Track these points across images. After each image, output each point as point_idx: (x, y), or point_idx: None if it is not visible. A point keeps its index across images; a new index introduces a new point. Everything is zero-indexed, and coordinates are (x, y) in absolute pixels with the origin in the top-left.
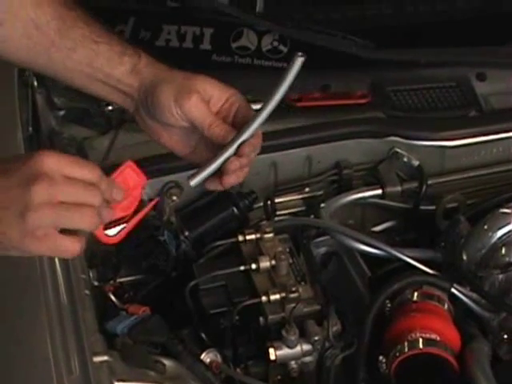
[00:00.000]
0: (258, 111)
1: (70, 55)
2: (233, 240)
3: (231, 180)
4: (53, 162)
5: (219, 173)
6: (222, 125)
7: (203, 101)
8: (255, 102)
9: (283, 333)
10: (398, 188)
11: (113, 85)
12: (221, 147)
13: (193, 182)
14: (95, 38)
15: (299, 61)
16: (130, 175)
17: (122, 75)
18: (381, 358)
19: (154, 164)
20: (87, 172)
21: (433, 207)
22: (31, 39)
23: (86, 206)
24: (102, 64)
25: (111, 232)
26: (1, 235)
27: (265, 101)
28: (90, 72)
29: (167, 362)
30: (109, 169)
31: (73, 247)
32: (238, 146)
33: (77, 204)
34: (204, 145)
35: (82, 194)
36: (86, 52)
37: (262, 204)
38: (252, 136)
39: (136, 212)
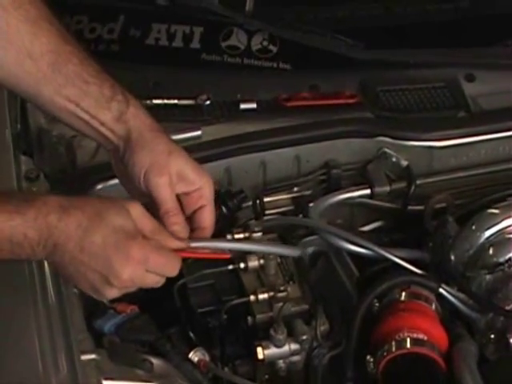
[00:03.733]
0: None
1: (59, 91)
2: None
3: None
4: (136, 268)
5: None
6: (176, 217)
7: (170, 185)
8: (245, 101)
9: (271, 332)
10: (387, 188)
11: (95, 127)
12: None
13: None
14: (87, 77)
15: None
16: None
17: (107, 120)
18: (368, 357)
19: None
20: (167, 270)
21: (421, 207)
22: (23, 68)
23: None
24: (89, 105)
25: None
26: (77, 286)
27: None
28: (75, 110)
29: (155, 361)
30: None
31: None
32: None
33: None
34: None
35: (150, 284)
36: (75, 91)
37: (250, 203)
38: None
39: None
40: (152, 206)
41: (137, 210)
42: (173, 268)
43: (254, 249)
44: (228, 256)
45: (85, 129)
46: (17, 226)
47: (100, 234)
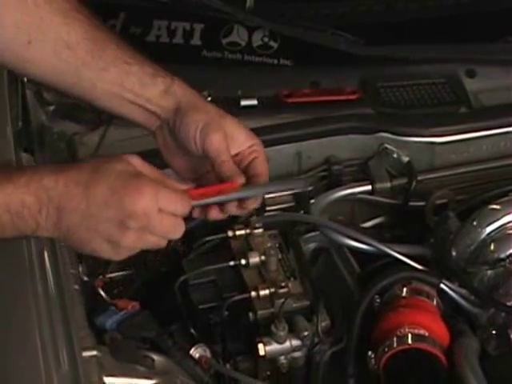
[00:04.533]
0: (268, 183)
1: (102, 75)
2: (222, 235)
3: (230, 212)
4: (149, 201)
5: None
6: (232, 165)
7: (225, 140)
8: (246, 98)
9: (272, 328)
10: (388, 184)
11: (140, 104)
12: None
13: (194, 203)
14: (127, 59)
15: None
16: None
17: (153, 95)
18: (370, 353)
19: (144, 159)
20: (179, 207)
21: (422, 203)
22: (61, 58)
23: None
24: (134, 84)
25: None
26: (92, 250)
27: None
28: (118, 92)
29: (156, 357)
30: None
31: (160, 243)
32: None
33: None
34: (207, 180)
35: (167, 231)
36: (118, 72)
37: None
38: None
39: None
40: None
41: (136, 160)
42: (184, 204)
43: (260, 192)
44: (237, 184)
45: (128, 110)
46: (11, 194)
47: (104, 182)
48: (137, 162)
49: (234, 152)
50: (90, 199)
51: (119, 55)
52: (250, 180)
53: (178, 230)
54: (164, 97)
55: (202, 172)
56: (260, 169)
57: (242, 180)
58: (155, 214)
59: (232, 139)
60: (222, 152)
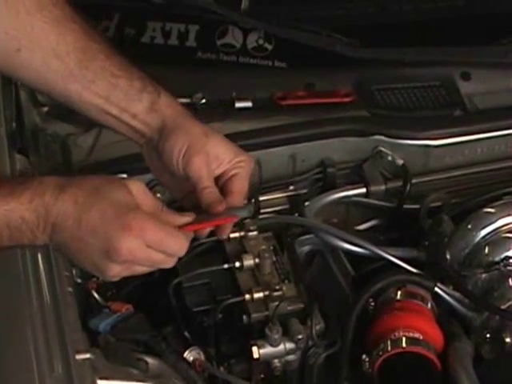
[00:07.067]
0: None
1: (88, 87)
2: (216, 238)
3: None
4: (134, 239)
5: None
6: (212, 192)
7: (207, 164)
8: (241, 99)
9: (266, 331)
10: (382, 187)
11: (126, 121)
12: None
13: None
14: (115, 71)
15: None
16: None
17: (138, 112)
18: (364, 356)
19: (138, 161)
20: (170, 247)
21: (417, 206)
22: (50, 67)
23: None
24: (119, 99)
25: None
26: (83, 267)
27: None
28: (104, 105)
29: (150, 360)
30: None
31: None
32: None
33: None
34: (191, 200)
35: (156, 264)
36: (103, 85)
37: (246, 202)
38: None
39: None
40: (188, 201)
41: (137, 187)
42: (177, 245)
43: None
44: (235, 219)
45: (115, 124)
46: (13, 210)
47: (97, 209)
48: (137, 188)
49: (218, 172)
50: (82, 222)
51: (107, 67)
52: (225, 197)
53: (168, 263)
54: (149, 114)
55: (187, 191)
56: (236, 186)
57: (221, 208)
58: (141, 250)
59: (217, 159)
60: (203, 178)
